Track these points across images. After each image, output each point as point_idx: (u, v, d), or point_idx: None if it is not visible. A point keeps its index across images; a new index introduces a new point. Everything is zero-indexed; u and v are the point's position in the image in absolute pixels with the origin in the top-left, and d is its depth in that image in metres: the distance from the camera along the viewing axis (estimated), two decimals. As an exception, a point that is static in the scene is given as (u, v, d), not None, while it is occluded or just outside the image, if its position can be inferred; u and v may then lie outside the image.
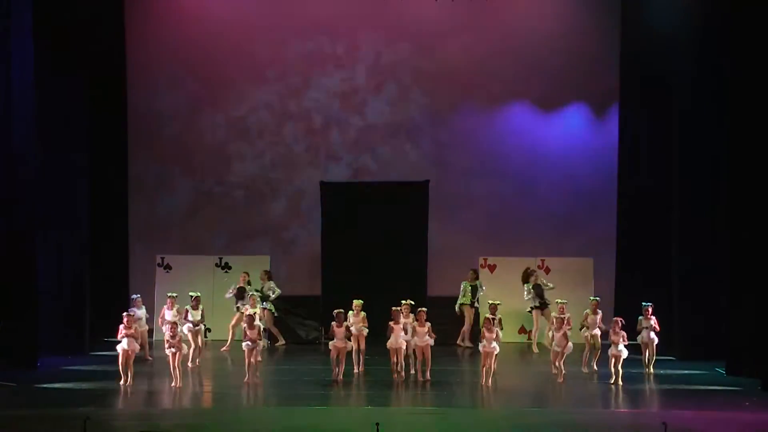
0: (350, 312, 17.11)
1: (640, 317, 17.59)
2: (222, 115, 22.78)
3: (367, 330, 17.17)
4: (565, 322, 16.78)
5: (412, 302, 17.22)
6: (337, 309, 16.72)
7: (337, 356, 16.45)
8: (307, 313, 21.44)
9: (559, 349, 16.47)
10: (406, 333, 16.71)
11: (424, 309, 16.82)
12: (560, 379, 16.38)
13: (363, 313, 17.21)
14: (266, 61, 22.79)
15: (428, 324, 16.59)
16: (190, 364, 17.32)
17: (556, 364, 16.53)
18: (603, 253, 22.00)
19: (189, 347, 17.04)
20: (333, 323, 16.52)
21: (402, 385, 16.25)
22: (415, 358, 16.75)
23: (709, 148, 18.93)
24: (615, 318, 16.81)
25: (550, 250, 22.08)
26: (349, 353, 16.82)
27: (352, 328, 16.85)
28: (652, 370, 17.47)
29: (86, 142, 19.61)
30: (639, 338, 17.60)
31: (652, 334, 17.50)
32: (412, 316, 16.90)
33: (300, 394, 15.58)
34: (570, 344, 16.54)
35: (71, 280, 19.22)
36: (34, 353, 17.58)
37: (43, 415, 13.93)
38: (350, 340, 16.77)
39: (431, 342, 16.57)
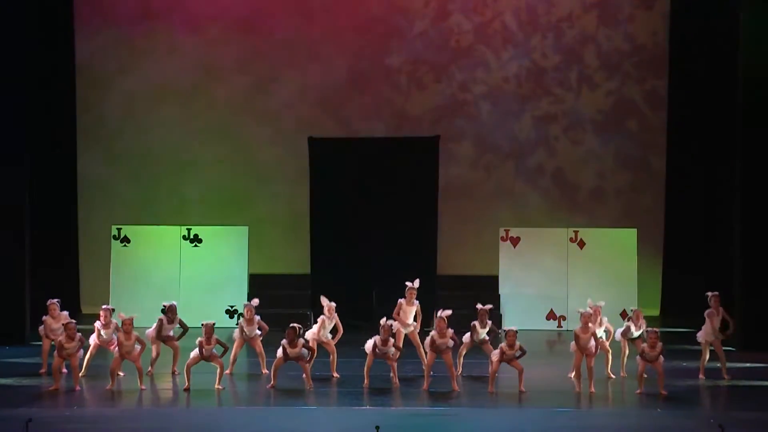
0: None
1: (708, 310, 16.24)
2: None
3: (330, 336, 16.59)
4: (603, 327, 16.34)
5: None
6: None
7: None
8: (293, 296, 21.35)
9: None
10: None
11: (448, 312, 15.76)
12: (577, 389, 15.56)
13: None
14: None
15: (450, 330, 15.53)
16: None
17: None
18: (649, 223, 21.96)
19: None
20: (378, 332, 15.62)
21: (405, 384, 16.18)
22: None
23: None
24: (648, 329, 15.46)
25: (585, 219, 22.06)
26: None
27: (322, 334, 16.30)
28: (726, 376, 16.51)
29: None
30: (700, 336, 16.42)
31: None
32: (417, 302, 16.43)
33: (290, 392, 15.57)
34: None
35: (6, 259, 19.11)
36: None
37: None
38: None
39: (450, 343, 15.57)
